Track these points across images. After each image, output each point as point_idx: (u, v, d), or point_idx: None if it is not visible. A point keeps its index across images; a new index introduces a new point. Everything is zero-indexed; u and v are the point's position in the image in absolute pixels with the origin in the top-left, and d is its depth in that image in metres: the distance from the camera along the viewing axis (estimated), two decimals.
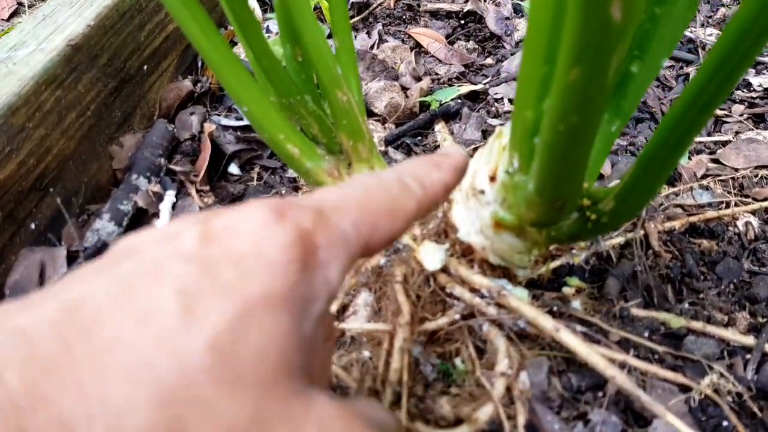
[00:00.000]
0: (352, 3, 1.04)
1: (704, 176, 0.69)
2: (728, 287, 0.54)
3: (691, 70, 0.89)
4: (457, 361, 0.46)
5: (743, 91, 0.84)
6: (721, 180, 0.67)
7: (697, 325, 0.48)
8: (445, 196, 0.31)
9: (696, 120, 0.33)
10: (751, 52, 0.28)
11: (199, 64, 0.88)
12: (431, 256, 0.48)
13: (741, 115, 0.79)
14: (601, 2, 0.23)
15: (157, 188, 0.67)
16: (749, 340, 0.47)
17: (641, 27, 0.39)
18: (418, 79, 0.86)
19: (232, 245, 0.22)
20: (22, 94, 0.53)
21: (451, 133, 0.77)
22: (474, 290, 0.47)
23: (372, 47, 0.95)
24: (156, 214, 0.64)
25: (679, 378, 0.42)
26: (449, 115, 0.79)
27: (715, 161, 0.71)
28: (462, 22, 1.03)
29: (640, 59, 0.39)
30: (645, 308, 0.50)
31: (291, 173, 0.72)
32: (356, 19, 1.02)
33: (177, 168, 0.70)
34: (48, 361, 0.18)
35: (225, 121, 0.77)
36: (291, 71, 0.51)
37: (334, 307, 0.48)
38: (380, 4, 1.05)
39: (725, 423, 0.41)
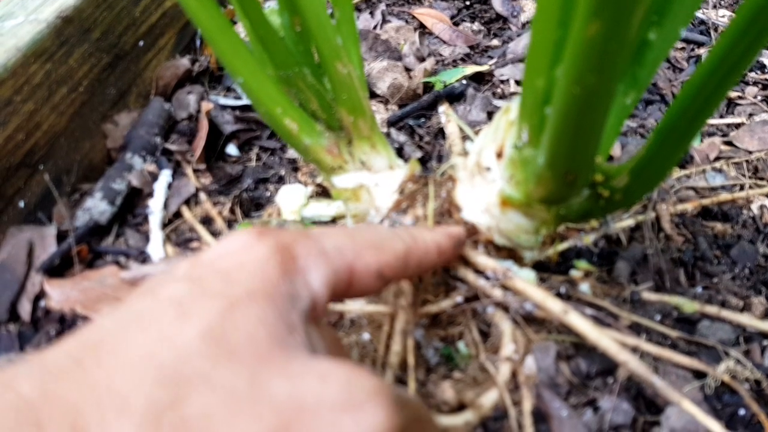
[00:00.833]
0: None
1: (717, 159, 0.66)
2: (743, 271, 0.52)
3: (702, 51, 0.87)
4: (460, 344, 0.44)
5: (756, 73, 0.82)
6: (734, 162, 0.65)
7: (712, 309, 0.46)
8: (439, 257, 0.34)
9: (719, 87, 0.31)
10: None
11: (198, 42, 0.86)
12: None
13: (755, 96, 0.76)
14: None
15: (152, 168, 0.65)
16: (766, 325, 0.45)
17: None
18: (422, 59, 0.84)
19: (217, 264, 0.25)
20: (9, 67, 0.51)
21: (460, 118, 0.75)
22: (478, 272, 0.45)
23: (375, 27, 0.93)
24: (150, 194, 0.62)
25: (695, 363, 0.40)
26: (454, 97, 0.76)
27: (728, 143, 0.69)
28: (467, 3, 1.00)
29: (658, 25, 0.37)
30: (656, 292, 0.48)
31: (290, 154, 0.70)
32: None
33: (173, 147, 0.68)
34: (60, 373, 0.20)
35: (223, 101, 0.75)
36: (289, 42, 0.48)
37: None
38: None
39: (742, 412, 0.40)
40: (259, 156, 0.70)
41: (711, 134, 0.71)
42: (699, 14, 0.94)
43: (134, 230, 0.60)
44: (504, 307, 0.44)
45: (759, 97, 0.76)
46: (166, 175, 0.64)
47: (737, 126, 0.71)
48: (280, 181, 0.66)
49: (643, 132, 0.71)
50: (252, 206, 0.63)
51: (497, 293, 0.43)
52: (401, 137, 0.71)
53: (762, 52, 0.83)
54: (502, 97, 0.77)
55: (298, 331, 0.24)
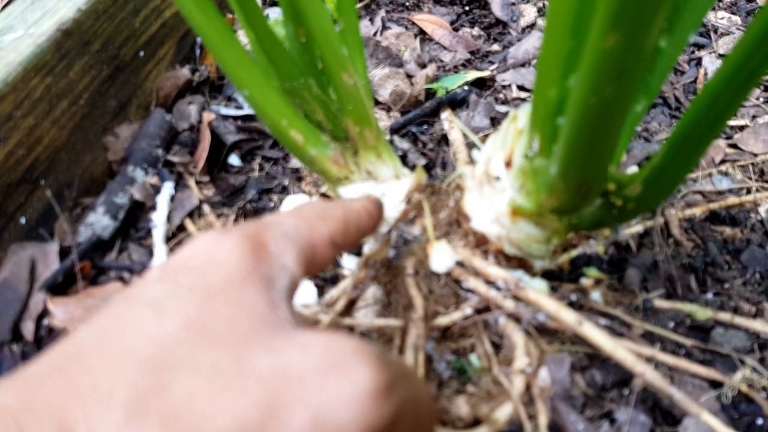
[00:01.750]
0: None
1: (722, 162, 0.66)
2: (754, 276, 0.51)
3: (703, 54, 0.86)
4: (473, 357, 0.43)
5: None
6: (740, 165, 0.64)
7: (725, 316, 0.46)
8: (370, 218, 0.37)
9: (735, 96, 0.30)
10: None
11: (197, 52, 0.85)
12: (441, 257, 0.45)
13: (758, 98, 0.76)
14: None
15: (154, 180, 0.64)
16: None
17: None
18: (423, 66, 0.83)
19: (189, 263, 0.25)
20: (9, 81, 0.50)
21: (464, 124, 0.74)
22: (489, 282, 0.44)
23: (375, 34, 0.92)
24: (153, 207, 0.61)
25: (711, 373, 0.39)
26: (456, 103, 0.76)
27: (733, 146, 0.69)
28: (466, 8, 1.00)
29: (669, 33, 0.36)
30: (668, 299, 0.48)
31: (293, 163, 0.69)
32: (359, 5, 0.99)
33: (175, 159, 0.67)
34: (41, 380, 0.20)
35: (225, 111, 0.75)
36: (294, 53, 0.48)
37: (341, 303, 0.46)
38: None
39: (760, 421, 0.39)
40: (262, 166, 0.69)
41: None
42: None
43: (137, 244, 0.59)
44: (516, 318, 0.43)
45: (762, 99, 0.76)
46: (168, 188, 0.63)
47: (741, 128, 0.71)
48: (284, 191, 0.66)
49: (647, 136, 0.71)
50: (256, 217, 0.62)
51: (509, 304, 0.43)
52: (404, 144, 0.70)
53: None
54: (505, 102, 0.77)
55: (281, 308, 0.24)
